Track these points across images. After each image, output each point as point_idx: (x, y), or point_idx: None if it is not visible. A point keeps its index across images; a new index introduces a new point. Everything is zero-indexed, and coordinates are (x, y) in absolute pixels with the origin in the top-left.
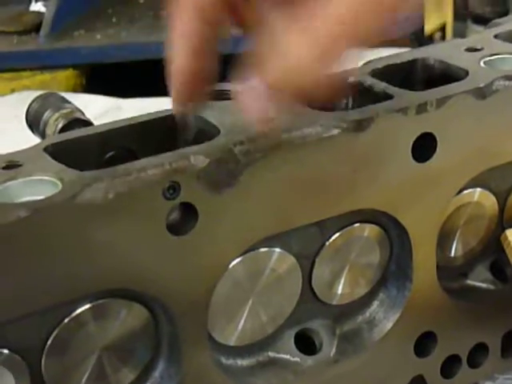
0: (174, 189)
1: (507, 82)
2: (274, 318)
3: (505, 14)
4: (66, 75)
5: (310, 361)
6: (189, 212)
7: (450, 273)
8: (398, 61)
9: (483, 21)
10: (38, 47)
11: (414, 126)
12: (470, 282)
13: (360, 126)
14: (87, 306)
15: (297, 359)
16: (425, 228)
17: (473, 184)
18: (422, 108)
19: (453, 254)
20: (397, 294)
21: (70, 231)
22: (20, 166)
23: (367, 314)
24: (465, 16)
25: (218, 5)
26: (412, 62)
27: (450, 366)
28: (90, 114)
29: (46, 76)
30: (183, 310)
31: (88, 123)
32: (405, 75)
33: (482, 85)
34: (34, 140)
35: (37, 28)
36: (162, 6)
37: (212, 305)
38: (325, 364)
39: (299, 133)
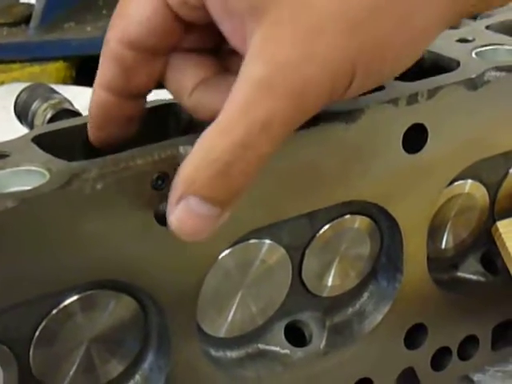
0: (162, 179)
1: (499, 73)
2: (264, 309)
3: None
4: (55, 67)
5: (299, 353)
6: None
7: (440, 265)
8: None
9: None
10: (27, 39)
11: (405, 116)
12: (460, 273)
13: (350, 117)
14: (75, 297)
15: (286, 351)
16: (415, 219)
17: (464, 175)
18: (412, 99)
19: (443, 245)
20: (387, 285)
21: (57, 221)
22: (7, 156)
23: (357, 306)
24: None
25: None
26: None
27: (440, 358)
28: (78, 106)
29: (36, 68)
30: (172, 301)
31: (76, 114)
32: None
33: (473, 76)
34: (22, 131)
35: (27, 20)
36: None
37: (201, 296)
38: (314, 356)
39: None
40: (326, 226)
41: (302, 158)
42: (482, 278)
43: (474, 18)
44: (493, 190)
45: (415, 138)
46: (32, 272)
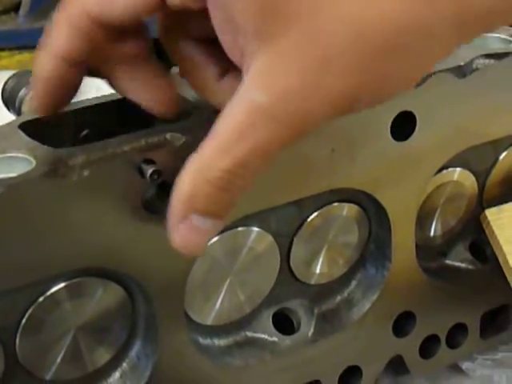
0: (149, 166)
1: (487, 61)
2: (252, 297)
3: None
4: None
5: (287, 340)
6: (165, 190)
7: (429, 252)
8: None
9: None
10: (16, 27)
11: (393, 104)
12: (449, 261)
13: None
14: (62, 285)
15: (275, 339)
16: (404, 207)
17: (452, 163)
18: None
19: (432, 233)
20: (375, 273)
21: (44, 208)
22: None
23: (345, 294)
24: None
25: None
26: None
27: (428, 346)
28: None
29: (25, 56)
30: (159, 288)
31: None
32: None
33: (461, 63)
34: (9, 117)
35: (16, 8)
36: None
37: (189, 284)
38: (303, 344)
39: None
40: (315, 214)
41: (290, 146)
42: (470, 266)
43: None
44: (481, 178)
45: (403, 126)
46: (18, 259)
